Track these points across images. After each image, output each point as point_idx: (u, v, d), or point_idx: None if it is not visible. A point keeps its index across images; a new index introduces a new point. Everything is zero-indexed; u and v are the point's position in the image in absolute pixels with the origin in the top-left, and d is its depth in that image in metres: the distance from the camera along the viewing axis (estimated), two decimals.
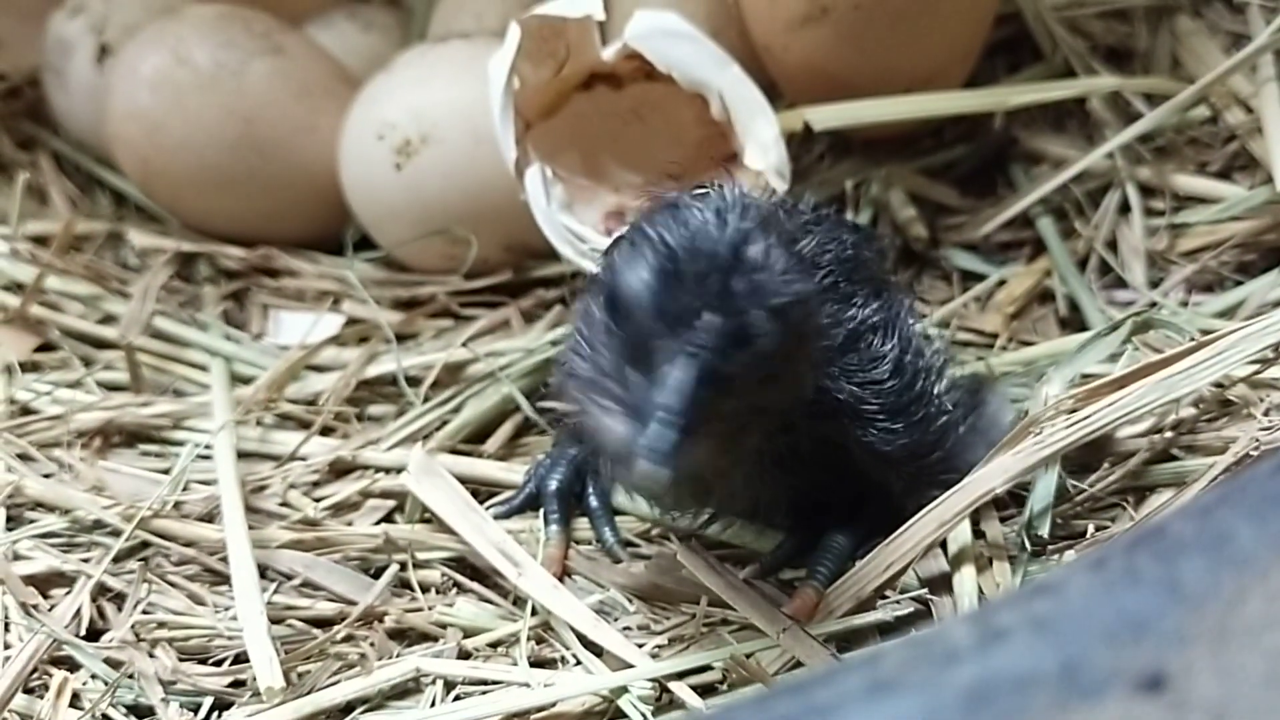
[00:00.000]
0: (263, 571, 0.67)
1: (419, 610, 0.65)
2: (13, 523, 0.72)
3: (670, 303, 0.49)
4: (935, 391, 0.62)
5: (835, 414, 0.58)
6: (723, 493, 0.60)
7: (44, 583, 0.68)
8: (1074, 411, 0.60)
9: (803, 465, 0.59)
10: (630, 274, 0.50)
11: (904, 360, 0.61)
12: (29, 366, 0.84)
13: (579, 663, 0.61)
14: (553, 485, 0.69)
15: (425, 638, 0.64)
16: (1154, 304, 0.76)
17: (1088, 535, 0.63)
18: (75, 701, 0.62)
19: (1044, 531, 0.61)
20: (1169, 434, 0.65)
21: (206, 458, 0.74)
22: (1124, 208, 0.83)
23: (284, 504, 0.73)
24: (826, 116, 0.82)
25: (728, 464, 0.57)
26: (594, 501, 0.69)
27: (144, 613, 0.66)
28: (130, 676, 0.63)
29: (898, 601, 0.60)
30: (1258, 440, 0.60)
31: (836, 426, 0.59)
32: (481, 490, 0.72)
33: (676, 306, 0.49)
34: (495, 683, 0.60)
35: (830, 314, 0.59)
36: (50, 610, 0.66)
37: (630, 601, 0.64)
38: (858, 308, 0.60)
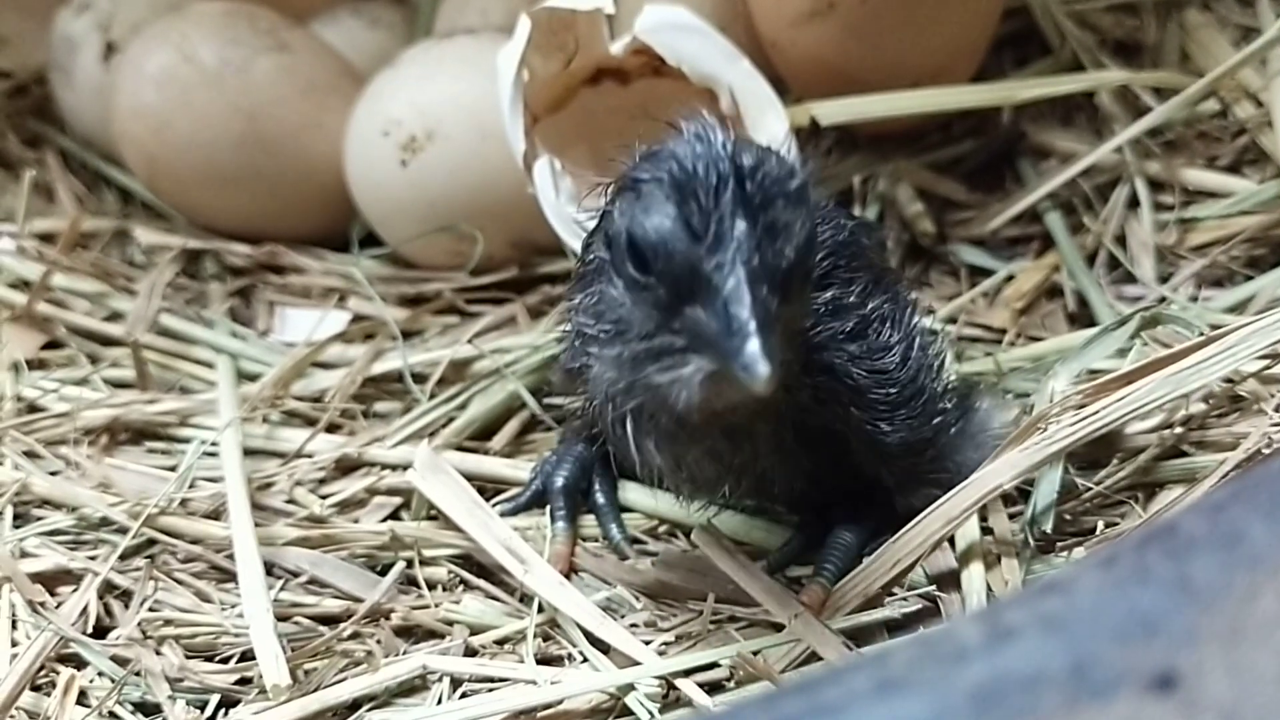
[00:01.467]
0: (269, 569, 0.67)
1: (425, 607, 0.65)
2: (20, 520, 0.72)
3: (702, 226, 0.49)
4: (935, 389, 0.62)
5: (841, 399, 0.58)
6: (744, 458, 0.58)
7: (51, 580, 0.69)
8: (1081, 407, 0.60)
9: (810, 449, 0.59)
10: (653, 219, 0.50)
11: (910, 354, 0.60)
12: (36, 364, 0.84)
13: (586, 660, 0.60)
14: (559, 482, 0.69)
15: (432, 635, 0.64)
16: (1163, 299, 0.76)
17: (1097, 532, 0.62)
18: (82, 699, 0.62)
19: (1048, 527, 0.61)
20: (1179, 430, 0.65)
21: (213, 455, 0.74)
22: (1133, 202, 0.82)
23: (290, 501, 0.73)
24: (833, 111, 0.82)
25: (762, 413, 0.56)
26: (600, 498, 0.69)
27: (150, 610, 0.66)
28: (137, 674, 0.63)
29: (905, 598, 0.60)
30: (1269, 436, 0.60)
31: (841, 414, 0.59)
32: (488, 487, 0.72)
33: (708, 227, 0.49)
34: (502, 680, 0.60)
35: (834, 297, 0.59)
36: (57, 608, 0.66)
37: (637, 599, 0.64)
38: (865, 296, 0.60)
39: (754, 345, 0.47)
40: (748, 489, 0.61)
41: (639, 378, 0.53)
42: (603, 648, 0.60)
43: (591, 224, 0.61)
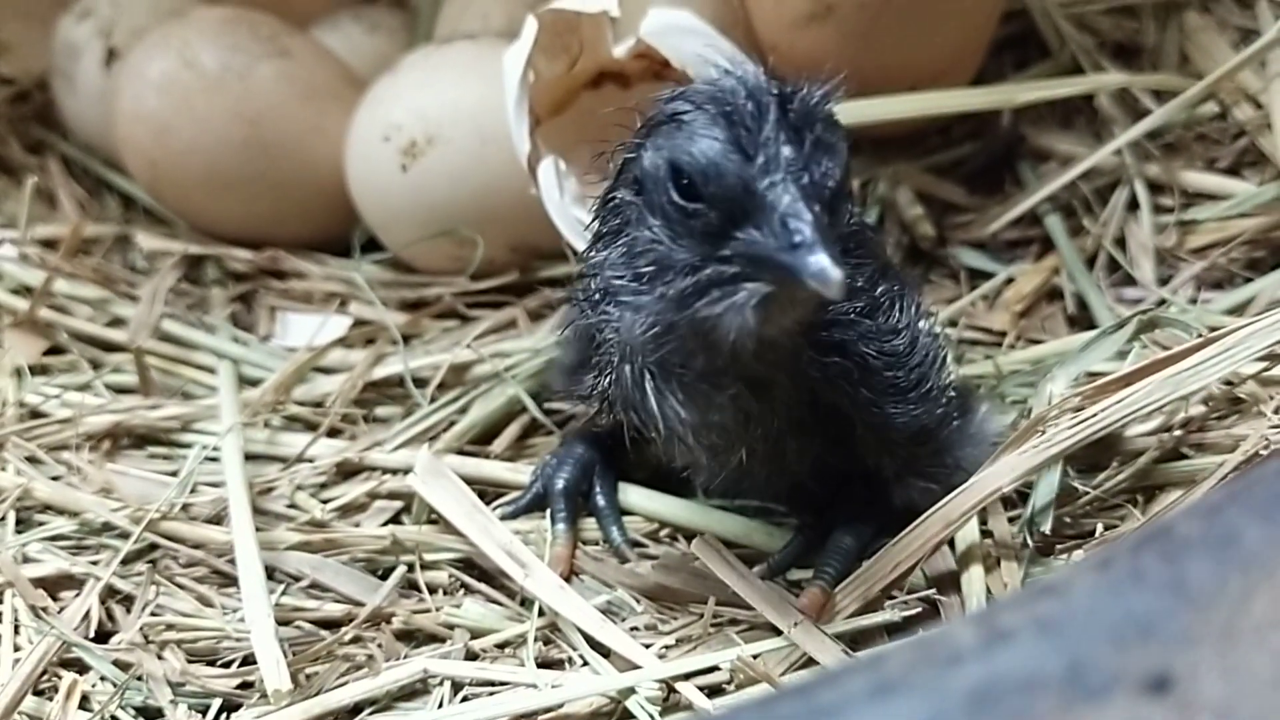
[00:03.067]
0: (270, 573, 0.67)
1: (426, 611, 0.65)
2: (22, 525, 0.72)
3: (752, 147, 0.50)
4: (939, 381, 0.62)
5: (851, 378, 0.58)
6: (764, 413, 0.58)
7: (53, 585, 0.69)
8: (1080, 409, 0.60)
9: (821, 427, 0.60)
10: (700, 144, 0.51)
11: (918, 339, 0.61)
12: (38, 369, 0.84)
13: (586, 664, 0.61)
14: (559, 484, 0.69)
15: (433, 639, 0.65)
16: (1163, 301, 0.76)
17: (1096, 534, 0.62)
18: (84, 703, 0.62)
19: (1046, 529, 0.61)
20: (1178, 433, 0.65)
21: (214, 460, 0.74)
22: (1132, 205, 0.82)
23: (291, 505, 0.73)
24: None
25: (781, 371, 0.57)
26: (601, 500, 0.70)
27: (152, 615, 0.66)
28: (139, 678, 0.63)
29: (905, 601, 0.60)
30: (1267, 438, 0.60)
31: (850, 394, 0.59)
32: (488, 491, 0.72)
33: (757, 148, 0.50)
34: (502, 684, 0.60)
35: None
36: (59, 612, 0.67)
37: (638, 602, 0.64)
38: (872, 280, 0.60)
39: (821, 252, 0.48)
40: (763, 460, 0.61)
41: (683, 316, 0.53)
42: (603, 651, 0.61)
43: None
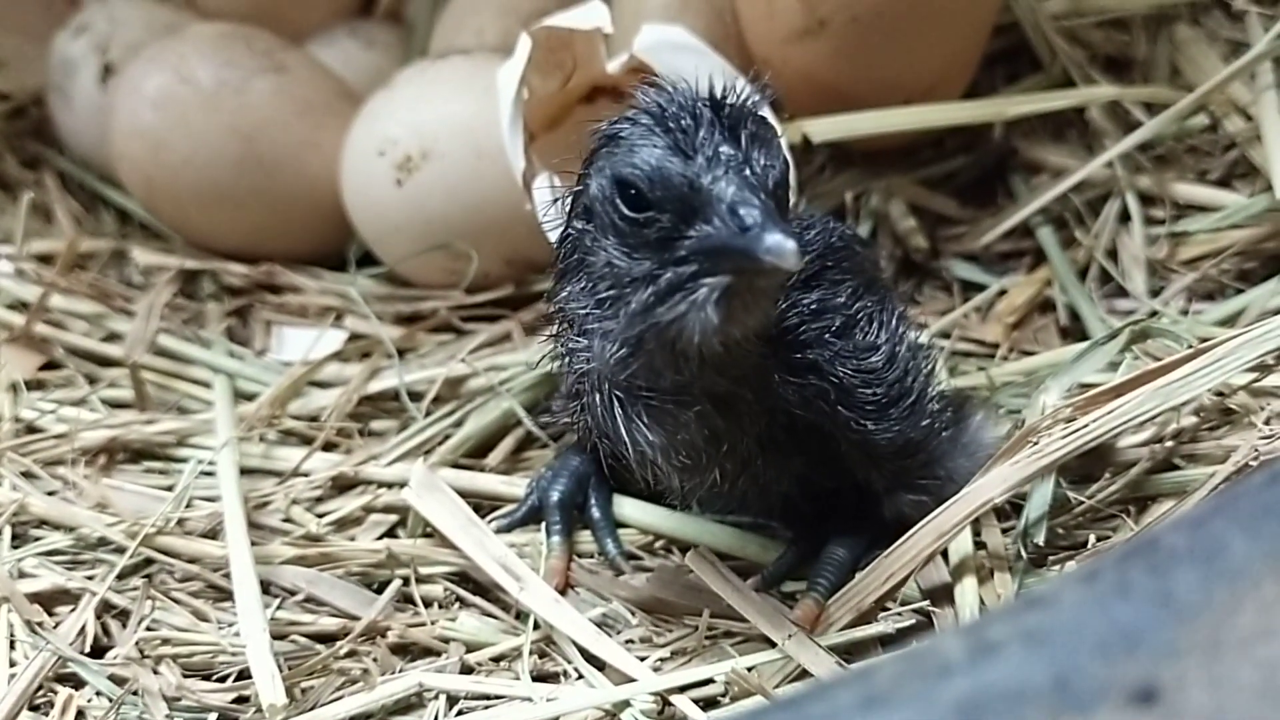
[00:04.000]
0: (265, 587, 0.68)
1: (422, 625, 0.65)
2: (18, 540, 0.73)
3: (690, 148, 0.52)
4: (924, 393, 0.62)
5: (827, 398, 0.59)
6: (730, 430, 0.58)
7: (49, 600, 0.69)
8: (1071, 420, 0.60)
9: (800, 447, 0.60)
10: (641, 153, 0.52)
11: (897, 354, 0.61)
12: (34, 385, 0.84)
13: (581, 677, 0.61)
14: (555, 496, 0.70)
15: (428, 652, 0.65)
16: (1154, 313, 0.76)
17: (1089, 546, 0.62)
18: (80, 718, 0.62)
19: (1040, 540, 0.61)
20: (1169, 444, 0.65)
21: (210, 474, 0.74)
22: (1124, 216, 0.83)
23: (287, 520, 0.73)
24: (825, 129, 0.82)
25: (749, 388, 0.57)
26: (596, 513, 0.70)
27: (148, 629, 0.66)
28: (134, 693, 0.63)
29: (899, 614, 0.60)
30: (1258, 449, 0.60)
31: (829, 413, 0.59)
32: (484, 504, 0.72)
33: (696, 148, 0.52)
34: (498, 697, 0.61)
35: (820, 298, 0.60)
36: (55, 627, 0.67)
37: (633, 614, 0.64)
38: (852, 297, 0.61)
39: (772, 230, 0.49)
40: (740, 483, 0.61)
41: (649, 326, 0.53)
42: (598, 664, 0.61)
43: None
